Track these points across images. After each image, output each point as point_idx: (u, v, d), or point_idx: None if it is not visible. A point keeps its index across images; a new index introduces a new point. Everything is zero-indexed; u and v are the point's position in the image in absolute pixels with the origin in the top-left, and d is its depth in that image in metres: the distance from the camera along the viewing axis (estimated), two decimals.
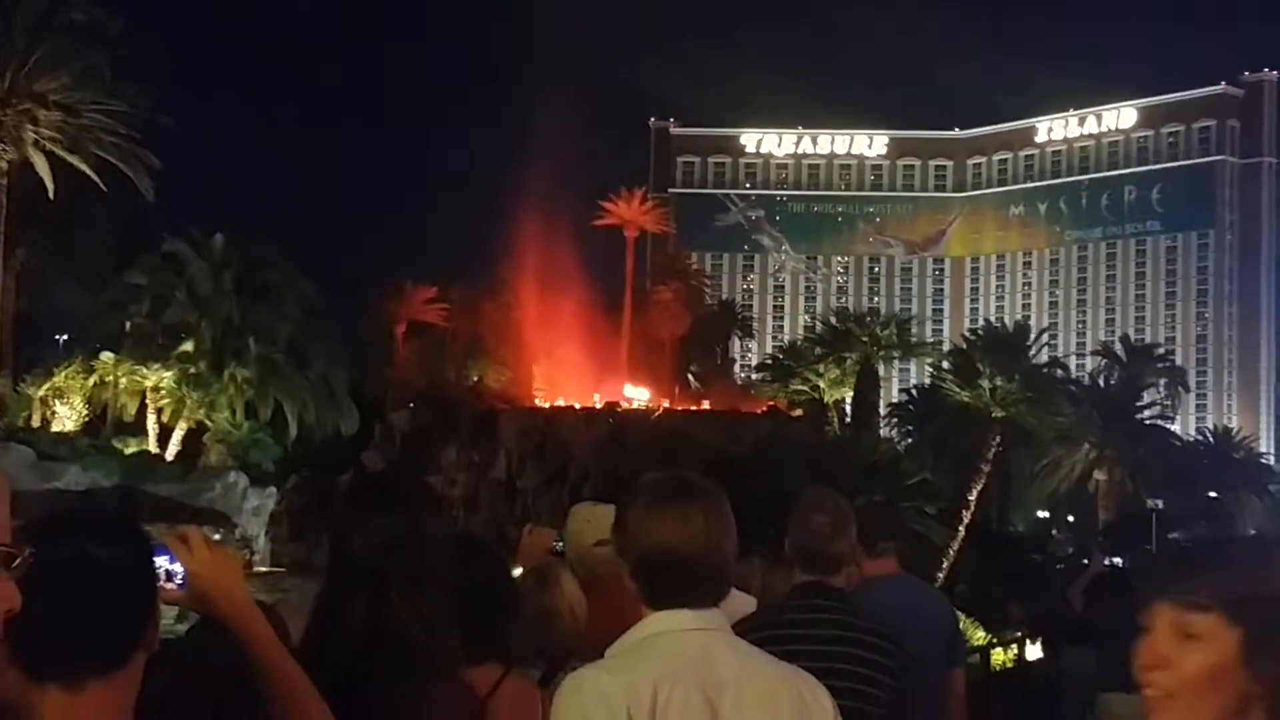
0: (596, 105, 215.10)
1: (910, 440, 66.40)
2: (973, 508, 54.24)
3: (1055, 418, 61.69)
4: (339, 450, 56.39)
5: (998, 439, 57.57)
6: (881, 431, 65.80)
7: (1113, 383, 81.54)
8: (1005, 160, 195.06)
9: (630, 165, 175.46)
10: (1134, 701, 2.22)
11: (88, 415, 52.04)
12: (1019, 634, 21.03)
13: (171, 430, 53.01)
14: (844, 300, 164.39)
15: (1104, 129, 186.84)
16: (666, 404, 69.66)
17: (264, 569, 44.15)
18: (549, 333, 74.54)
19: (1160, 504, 68.53)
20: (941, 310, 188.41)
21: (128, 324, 53.47)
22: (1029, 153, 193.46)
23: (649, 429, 58.31)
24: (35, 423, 50.11)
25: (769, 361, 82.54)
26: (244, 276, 54.40)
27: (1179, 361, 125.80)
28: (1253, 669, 2.08)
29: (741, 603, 5.10)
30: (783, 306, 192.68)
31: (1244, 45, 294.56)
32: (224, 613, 2.70)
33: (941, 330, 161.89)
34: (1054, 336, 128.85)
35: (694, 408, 69.54)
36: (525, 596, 4.50)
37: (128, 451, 49.46)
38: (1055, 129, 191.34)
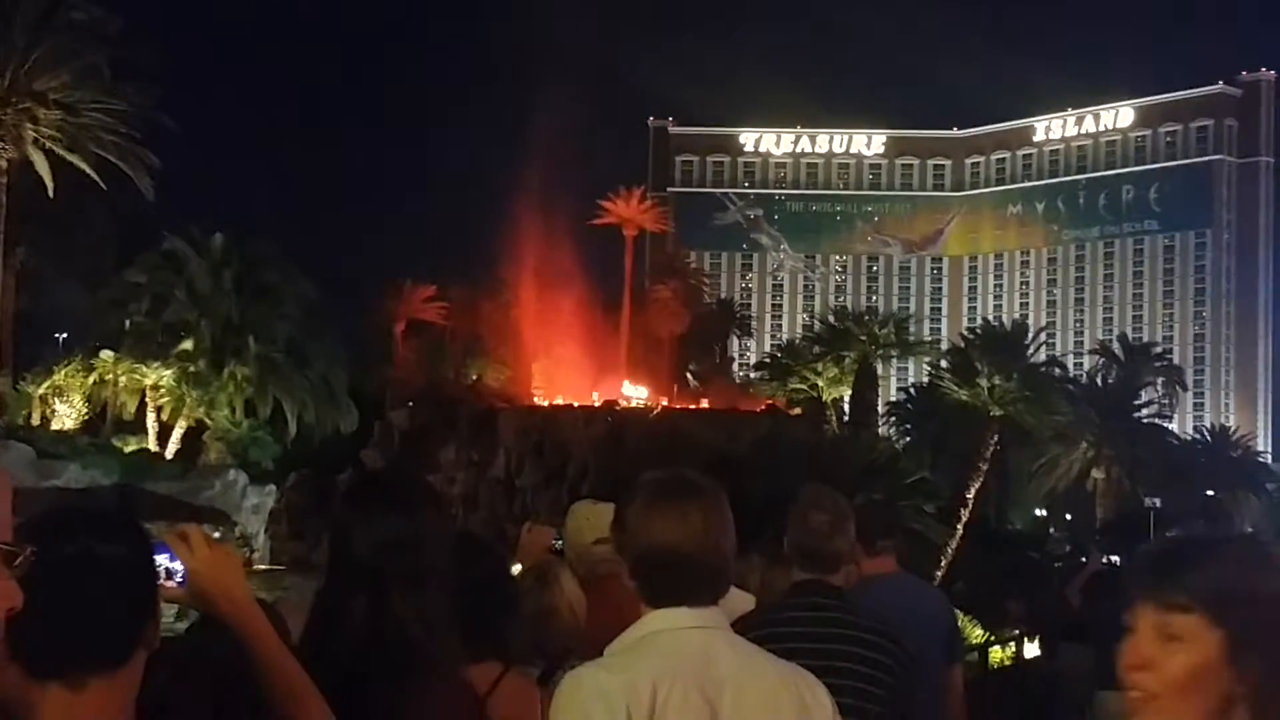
0: (596, 105, 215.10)
1: (908, 439, 66.44)
2: (971, 506, 54.28)
3: (1053, 416, 61.71)
4: (338, 448, 56.43)
5: (996, 438, 57.63)
6: (880, 430, 65.86)
7: (1110, 382, 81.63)
8: (1003, 159, 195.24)
9: (629, 164, 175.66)
10: None
11: (87, 413, 52.05)
12: (1017, 632, 21.07)
13: (171, 428, 53.02)
14: (842, 299, 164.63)
15: (1102, 128, 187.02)
16: (665, 402, 69.65)
17: (263, 567, 44.18)
18: (548, 331, 74.52)
19: (1158, 502, 68.61)
20: (939, 309, 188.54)
21: (127, 322, 53.44)
22: (1027, 152, 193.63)
23: (648, 427, 58.32)
24: (35, 421, 50.12)
25: (767, 360, 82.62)
26: (243, 275, 54.41)
27: (1176, 360, 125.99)
28: (1236, 670, 2.08)
29: (740, 601, 5.11)
30: (781, 305, 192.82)
31: (1242, 45, 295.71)
32: (224, 611, 2.70)
33: (939, 329, 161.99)
34: (1052, 335, 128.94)
35: (693, 406, 69.52)
36: (525, 595, 4.50)
37: (127, 450, 49.47)
38: (1053, 128, 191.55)
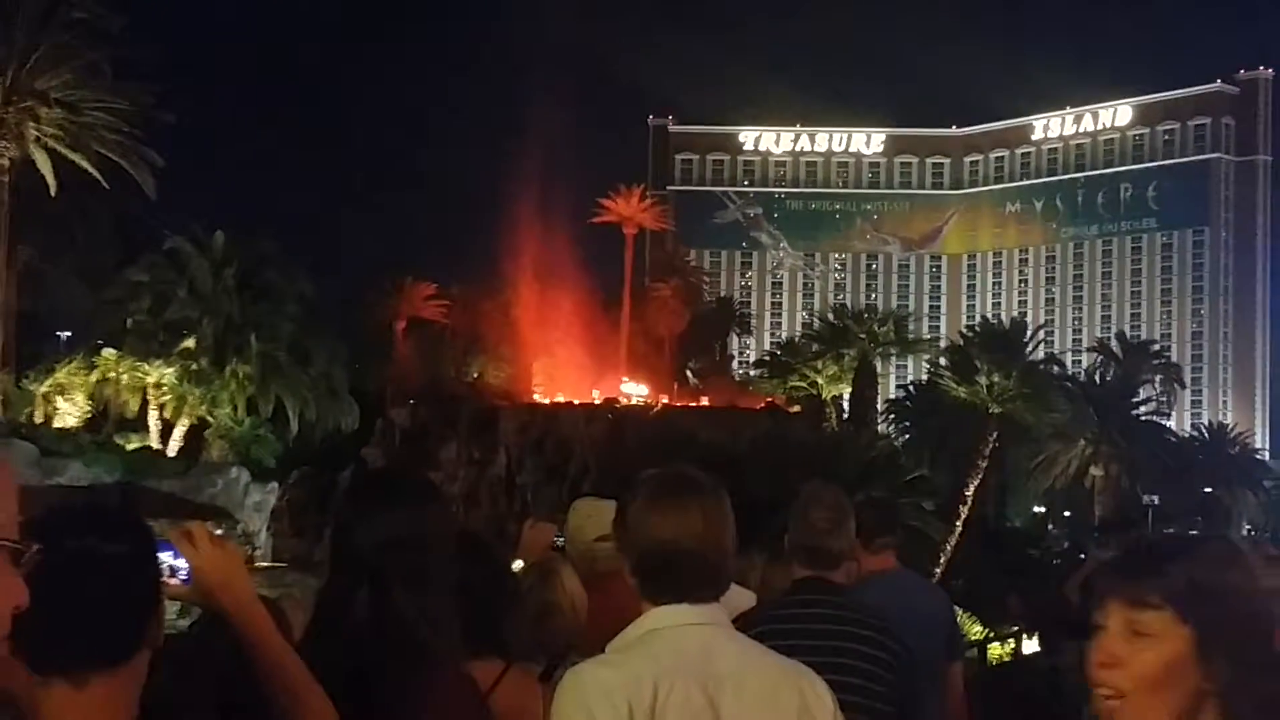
0: (595, 103, 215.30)
1: (908, 436, 66.43)
2: (970, 503, 54.36)
3: (1052, 414, 61.76)
4: (340, 446, 56.44)
5: (995, 435, 57.70)
6: (879, 428, 65.82)
7: (1109, 379, 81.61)
8: (1002, 158, 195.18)
9: (629, 163, 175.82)
10: None
11: (90, 411, 51.99)
12: (1016, 628, 21.12)
13: (173, 426, 52.95)
14: (841, 297, 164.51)
15: (1100, 127, 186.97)
16: (665, 400, 69.69)
17: (265, 564, 44.10)
18: (548, 330, 74.51)
19: (1156, 499, 68.70)
20: (938, 307, 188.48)
21: (129, 321, 53.33)
22: (1025, 150, 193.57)
23: (648, 425, 58.35)
24: (38, 419, 50.06)
25: (767, 358, 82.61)
26: (245, 274, 54.35)
27: (1174, 358, 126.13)
28: (1204, 667, 2.08)
29: (741, 598, 5.12)
30: (780, 303, 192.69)
31: (1239, 43, 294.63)
32: (228, 608, 2.71)
33: (939, 327, 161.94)
34: (1050, 333, 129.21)
35: (693, 404, 69.56)
36: (526, 592, 4.47)
37: (130, 448, 49.40)
38: (1052, 127, 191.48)
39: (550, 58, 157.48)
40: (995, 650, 20.31)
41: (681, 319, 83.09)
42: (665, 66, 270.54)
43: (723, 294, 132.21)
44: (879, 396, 72.13)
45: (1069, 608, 12.47)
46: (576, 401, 66.77)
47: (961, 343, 65.38)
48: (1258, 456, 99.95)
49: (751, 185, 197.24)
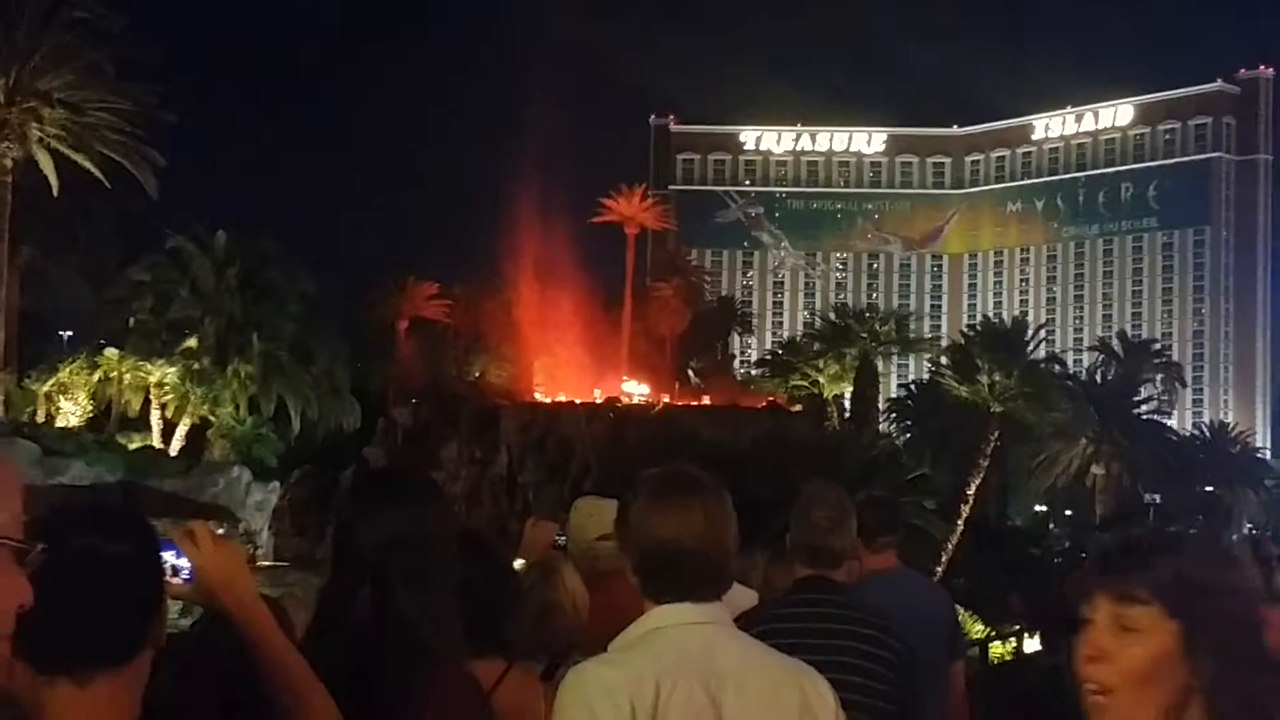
0: (597, 103, 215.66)
1: (909, 435, 66.43)
2: (971, 502, 54.33)
3: (1053, 413, 61.72)
4: (341, 446, 56.47)
5: (996, 434, 57.67)
6: (880, 426, 65.86)
7: (1110, 378, 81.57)
8: (1003, 157, 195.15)
9: (630, 162, 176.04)
10: None
11: (92, 411, 52.05)
12: (1017, 627, 21.14)
13: (175, 426, 52.99)
14: (843, 296, 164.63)
15: (1101, 126, 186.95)
16: (666, 399, 69.65)
17: (267, 563, 44.10)
18: (549, 329, 74.53)
19: (1157, 498, 68.74)
20: (940, 306, 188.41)
21: (131, 320, 53.37)
22: (1026, 150, 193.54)
23: (649, 424, 58.33)
24: (40, 418, 50.11)
25: (768, 357, 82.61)
26: (247, 273, 54.41)
27: (1176, 357, 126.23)
28: (1191, 662, 2.07)
29: (743, 597, 5.12)
30: (782, 303, 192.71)
31: (1240, 43, 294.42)
32: (230, 607, 2.71)
33: (940, 326, 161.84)
34: (1051, 332, 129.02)
35: (694, 403, 69.56)
36: (528, 590, 4.48)
37: (132, 447, 49.42)
38: (1052, 126, 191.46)
39: (550, 58, 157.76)
40: (997, 649, 20.32)
41: (683, 318, 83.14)
42: (665, 66, 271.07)
43: (724, 293, 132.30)
44: (880, 396, 72.16)
45: (1070, 607, 12.49)
46: (578, 401, 66.77)
47: (963, 342, 65.35)
48: (1259, 455, 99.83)
49: (753, 185, 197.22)
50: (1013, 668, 18.53)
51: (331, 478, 49.44)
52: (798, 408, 66.37)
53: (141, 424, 53.07)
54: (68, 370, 51.64)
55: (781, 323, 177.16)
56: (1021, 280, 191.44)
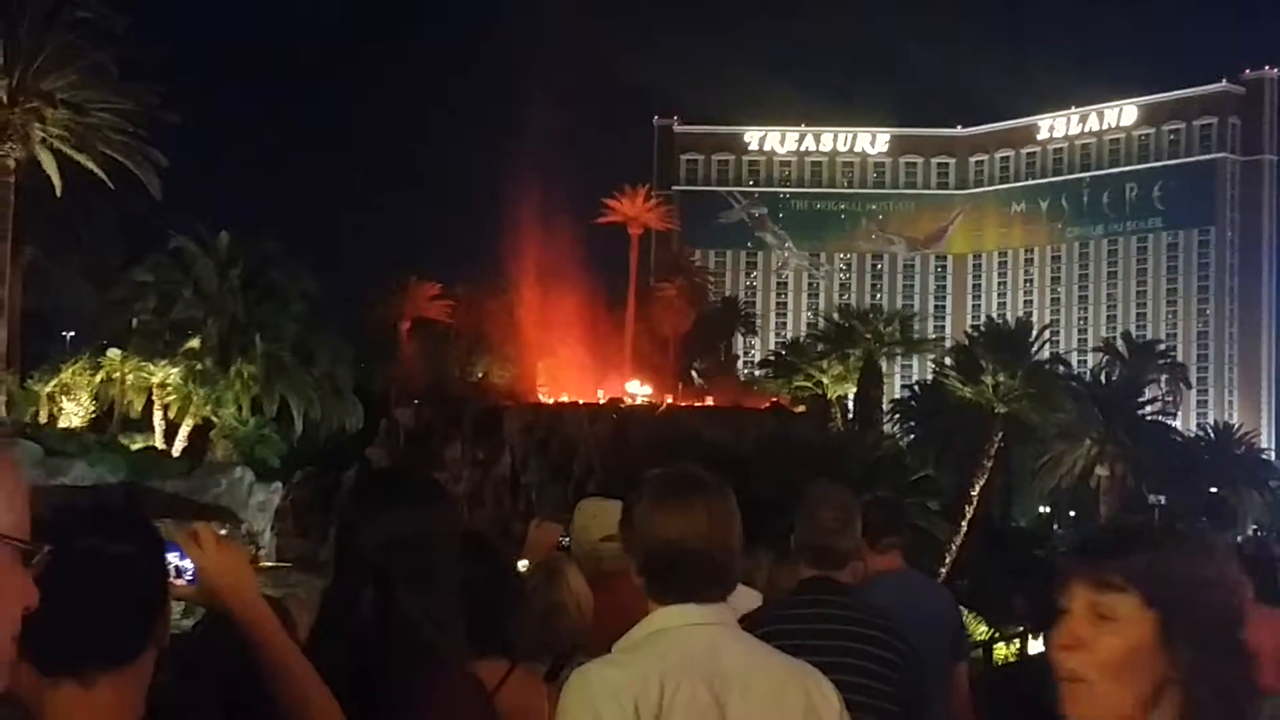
0: (598, 103, 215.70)
1: (913, 436, 66.47)
2: (975, 503, 54.31)
3: (1057, 414, 61.76)
4: (344, 446, 56.51)
5: (1000, 435, 57.66)
6: (884, 427, 65.90)
7: (1114, 379, 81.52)
8: (1007, 158, 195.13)
9: (634, 163, 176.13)
10: None
11: (94, 411, 52.10)
12: (1021, 629, 21.12)
13: (178, 426, 53.03)
14: (846, 297, 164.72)
15: (1105, 126, 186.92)
16: (670, 400, 69.69)
17: (269, 564, 44.14)
18: (553, 329, 74.56)
19: (1162, 499, 68.71)
20: (944, 307, 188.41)
21: (134, 321, 53.43)
22: (1031, 150, 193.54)
23: (653, 425, 58.33)
24: (42, 419, 50.16)
25: (772, 358, 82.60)
26: (250, 274, 54.47)
27: (1180, 358, 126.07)
28: (1169, 653, 2.06)
29: (747, 598, 5.09)
30: (785, 303, 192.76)
31: (1245, 43, 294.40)
32: (233, 609, 2.72)
33: (944, 327, 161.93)
34: (1056, 333, 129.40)
35: (697, 404, 69.59)
36: (532, 591, 4.50)
37: (134, 448, 49.47)
38: (1057, 126, 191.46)
39: (550, 58, 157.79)
40: (1000, 650, 20.32)
41: (686, 319, 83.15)
42: (667, 66, 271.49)
43: (728, 294, 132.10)
44: (884, 396, 72.13)
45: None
46: (581, 401, 66.83)
47: (967, 343, 65.40)
48: (1264, 456, 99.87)
49: (756, 185, 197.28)
50: (1016, 669, 18.52)
51: (334, 478, 49.49)
52: (801, 408, 66.39)
53: (144, 425, 53.12)
54: (70, 371, 51.68)
55: (785, 323, 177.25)
56: (1026, 281, 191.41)
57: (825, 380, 67.98)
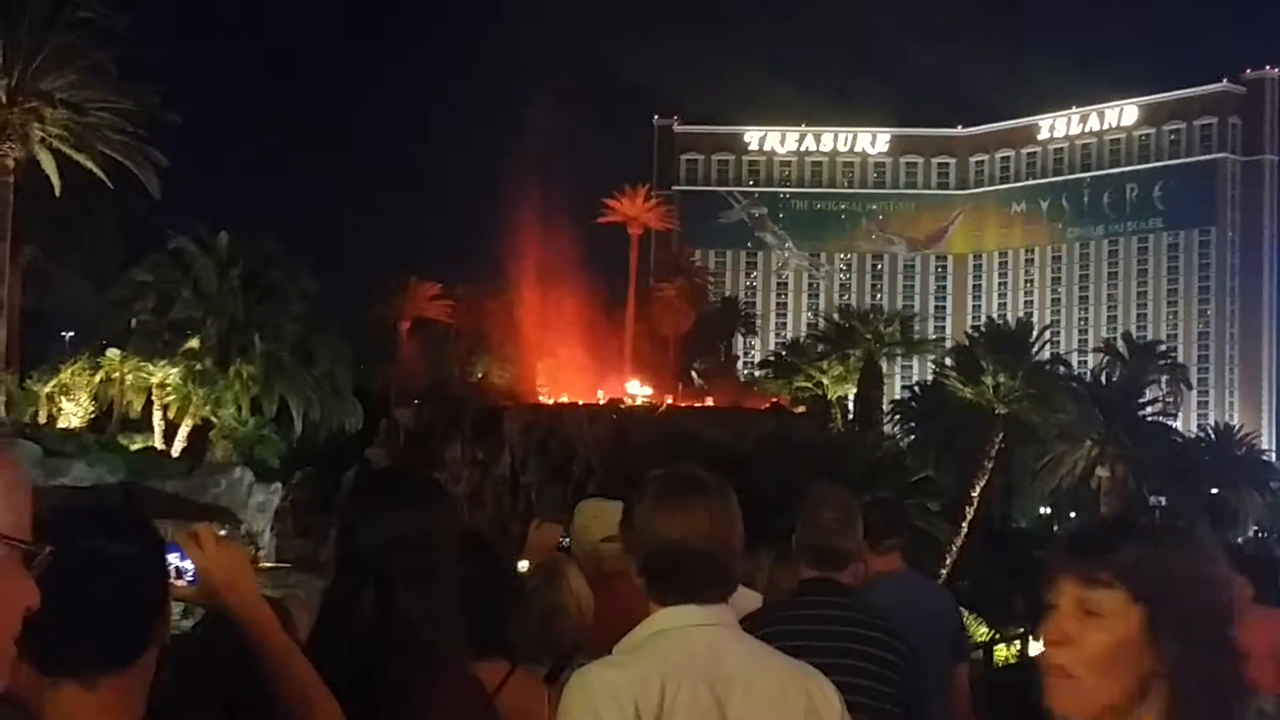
0: (598, 103, 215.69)
1: (913, 437, 66.49)
2: (975, 504, 54.32)
3: (1058, 415, 61.77)
4: (344, 447, 56.52)
5: (1000, 436, 57.67)
6: (884, 428, 65.92)
7: (1115, 380, 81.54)
8: (1008, 158, 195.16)
9: (634, 163, 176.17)
10: None
11: (94, 412, 52.12)
12: (1021, 630, 21.12)
13: (177, 427, 53.04)
14: (847, 297, 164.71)
15: (1106, 126, 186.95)
16: (670, 400, 69.68)
17: (269, 564, 44.12)
18: (552, 330, 74.55)
19: (1163, 500, 68.72)
20: (944, 307, 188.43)
21: (133, 321, 53.44)
22: (1031, 150, 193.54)
23: (653, 425, 58.33)
24: (41, 419, 50.18)
25: (772, 358, 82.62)
26: (249, 274, 54.49)
27: (1181, 358, 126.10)
28: (1155, 647, 2.07)
29: (747, 599, 5.08)
30: (786, 303, 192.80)
31: (1245, 43, 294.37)
32: (234, 609, 2.73)
33: (944, 327, 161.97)
34: (1056, 333, 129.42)
35: (697, 404, 69.57)
36: (532, 592, 4.49)
37: (133, 448, 49.48)
38: (1057, 126, 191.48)
39: (550, 58, 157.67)
40: (1001, 652, 20.32)
41: (686, 319, 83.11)
42: (666, 66, 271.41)
43: (728, 294, 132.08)
44: (884, 397, 72.14)
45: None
46: (581, 402, 66.84)
47: (967, 343, 65.44)
48: (1264, 457, 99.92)
49: (756, 185, 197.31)
50: (1017, 670, 18.50)
51: (334, 479, 49.47)
52: (801, 409, 66.37)
53: (143, 425, 53.14)
54: (69, 371, 51.69)
55: (785, 324, 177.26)
56: (1026, 281, 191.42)
57: (825, 381, 67.98)
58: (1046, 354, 68.75)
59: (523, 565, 5.00)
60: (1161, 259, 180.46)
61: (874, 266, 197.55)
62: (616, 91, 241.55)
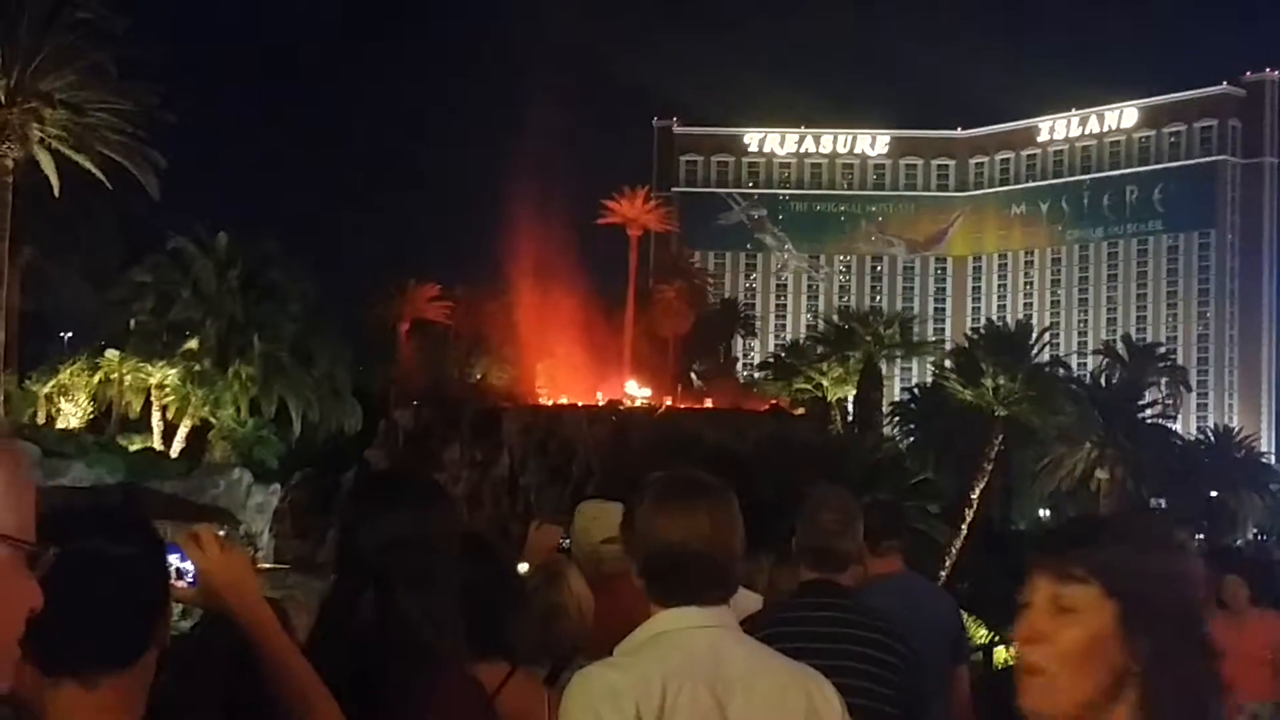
0: (597, 103, 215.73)
1: (913, 439, 66.49)
2: (975, 506, 54.36)
3: (1057, 417, 61.80)
4: (342, 448, 56.55)
5: (1000, 438, 57.70)
6: (884, 430, 65.95)
7: (1114, 382, 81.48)
8: (1007, 160, 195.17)
9: (632, 163, 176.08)
10: None
11: (93, 412, 52.17)
12: None
13: (176, 427, 53.08)
14: (846, 299, 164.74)
15: (1106, 129, 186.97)
16: (669, 402, 69.71)
17: (267, 565, 44.13)
18: (552, 331, 74.54)
19: (1162, 503, 68.66)
20: (944, 309, 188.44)
21: (132, 321, 53.50)
22: (1031, 152, 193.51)
23: (652, 427, 58.38)
24: (40, 419, 50.24)
25: (771, 360, 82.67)
26: (248, 274, 54.51)
27: (1180, 361, 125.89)
28: (1128, 643, 2.06)
29: (747, 601, 5.07)
30: (785, 305, 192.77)
31: (1245, 45, 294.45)
32: (234, 610, 2.73)
33: (944, 329, 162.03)
34: (1056, 336, 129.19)
35: (697, 406, 69.58)
36: (532, 594, 4.47)
37: (132, 448, 49.52)
38: (1057, 128, 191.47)
39: (550, 58, 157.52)
40: (1001, 654, 20.28)
41: (686, 321, 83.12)
42: (666, 67, 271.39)
43: (727, 296, 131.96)
44: (884, 399, 72.16)
45: None
46: (580, 403, 66.88)
47: (967, 345, 65.51)
48: (1264, 460, 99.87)
49: (756, 187, 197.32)
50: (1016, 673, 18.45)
51: (333, 480, 49.52)
52: (801, 411, 66.40)
53: (142, 426, 53.18)
54: (68, 371, 51.74)
55: (784, 325, 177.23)
56: (1026, 283, 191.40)
57: (825, 382, 68.00)
58: (1046, 356, 68.75)
59: (523, 567, 4.97)
60: (1161, 261, 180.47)
61: (873, 268, 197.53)
62: (616, 92, 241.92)
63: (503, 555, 4.24)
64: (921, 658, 4.77)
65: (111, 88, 46.22)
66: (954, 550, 48.24)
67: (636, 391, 72.69)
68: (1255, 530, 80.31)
